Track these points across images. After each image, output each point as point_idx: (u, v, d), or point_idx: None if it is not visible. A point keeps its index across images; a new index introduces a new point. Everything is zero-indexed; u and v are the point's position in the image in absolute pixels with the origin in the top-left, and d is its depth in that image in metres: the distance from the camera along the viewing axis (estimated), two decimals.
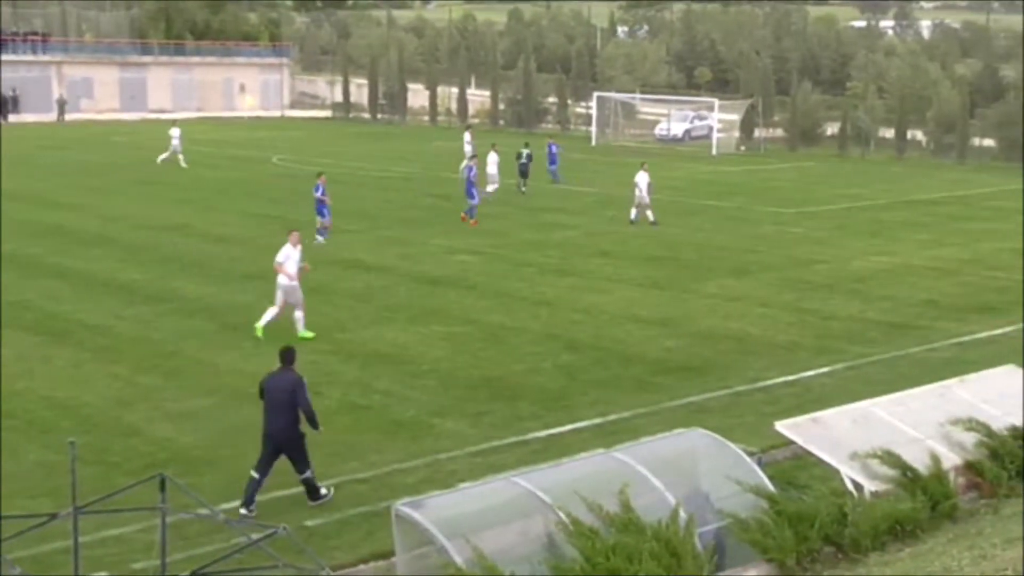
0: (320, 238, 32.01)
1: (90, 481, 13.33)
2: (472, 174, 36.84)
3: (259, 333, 21.84)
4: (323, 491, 14.54)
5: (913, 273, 29.91)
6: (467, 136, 50.75)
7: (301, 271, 22.27)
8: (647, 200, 36.75)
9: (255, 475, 14.12)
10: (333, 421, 17.43)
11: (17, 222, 34.78)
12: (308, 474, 14.28)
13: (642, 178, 36.80)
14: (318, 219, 32.59)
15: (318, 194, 32.55)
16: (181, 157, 51.68)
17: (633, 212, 36.92)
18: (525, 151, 44.53)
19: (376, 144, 66.34)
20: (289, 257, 22.09)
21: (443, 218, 37.61)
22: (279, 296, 22.07)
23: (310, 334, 21.89)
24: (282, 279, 21.94)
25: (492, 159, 42.22)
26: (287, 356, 14.50)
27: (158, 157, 52.01)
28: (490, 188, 41.12)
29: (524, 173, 44.25)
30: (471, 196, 36.24)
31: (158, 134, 70.53)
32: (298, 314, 22.09)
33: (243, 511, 13.97)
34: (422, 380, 19.68)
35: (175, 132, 52.18)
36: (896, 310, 25.68)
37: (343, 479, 15.29)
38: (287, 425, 14.10)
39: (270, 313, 22.11)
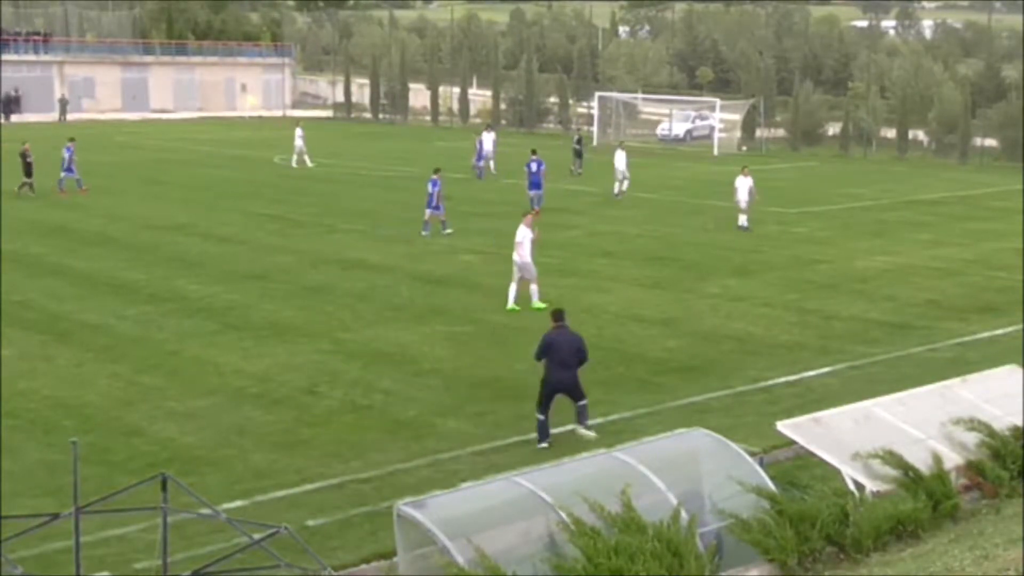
0: (448, 230, 33.57)
1: (92, 481, 13.36)
2: (541, 168, 39.10)
3: (539, 307, 23.69)
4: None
5: (915, 273, 29.89)
6: (492, 136, 52.50)
7: (532, 243, 24.78)
8: (744, 205, 35.98)
9: (541, 416, 16.47)
10: (335, 420, 17.48)
11: (19, 221, 34.82)
12: (586, 400, 16.87)
13: (743, 183, 36.13)
14: (428, 211, 33.46)
15: (435, 189, 33.22)
16: (307, 157, 52.13)
17: (742, 219, 36.02)
18: (576, 136, 54.39)
19: (378, 144, 66.37)
20: (525, 236, 24.62)
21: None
22: (524, 272, 24.61)
23: (543, 304, 23.58)
24: (516, 256, 24.58)
25: (620, 156, 43.80)
26: (561, 315, 17.18)
27: (291, 160, 52.44)
28: (624, 186, 43.44)
29: (579, 155, 52.04)
30: (537, 188, 38.82)
31: (160, 134, 70.90)
32: (533, 287, 24.63)
33: (543, 445, 16.26)
34: (424, 379, 19.68)
35: (299, 132, 52.52)
36: (898, 310, 25.66)
37: (345, 479, 15.30)
38: (574, 373, 16.71)
39: (514, 289, 24.73)
